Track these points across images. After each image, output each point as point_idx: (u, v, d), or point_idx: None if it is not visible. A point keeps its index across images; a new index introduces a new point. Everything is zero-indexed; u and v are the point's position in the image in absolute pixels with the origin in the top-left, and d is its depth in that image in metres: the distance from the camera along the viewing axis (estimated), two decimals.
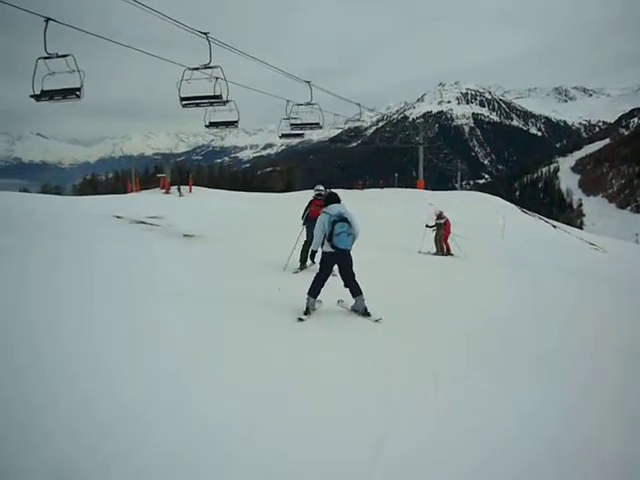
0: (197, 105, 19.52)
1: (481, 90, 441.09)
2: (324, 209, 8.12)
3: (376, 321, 7.64)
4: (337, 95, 27.92)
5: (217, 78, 17.76)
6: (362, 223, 8.15)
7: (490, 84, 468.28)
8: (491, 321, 8.21)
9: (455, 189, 76.76)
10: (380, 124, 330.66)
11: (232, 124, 24.50)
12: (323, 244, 7.99)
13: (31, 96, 16.62)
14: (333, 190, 8.51)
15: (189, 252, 12.13)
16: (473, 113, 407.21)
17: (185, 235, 14.08)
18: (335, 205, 8.00)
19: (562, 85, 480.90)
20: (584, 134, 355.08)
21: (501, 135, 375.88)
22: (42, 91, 17.03)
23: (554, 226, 34.90)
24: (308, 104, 24.02)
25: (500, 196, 48.71)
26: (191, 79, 18.26)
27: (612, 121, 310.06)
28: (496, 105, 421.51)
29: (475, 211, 16.28)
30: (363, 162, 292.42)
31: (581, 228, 74.46)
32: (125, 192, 45.24)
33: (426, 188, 52.60)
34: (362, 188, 56.05)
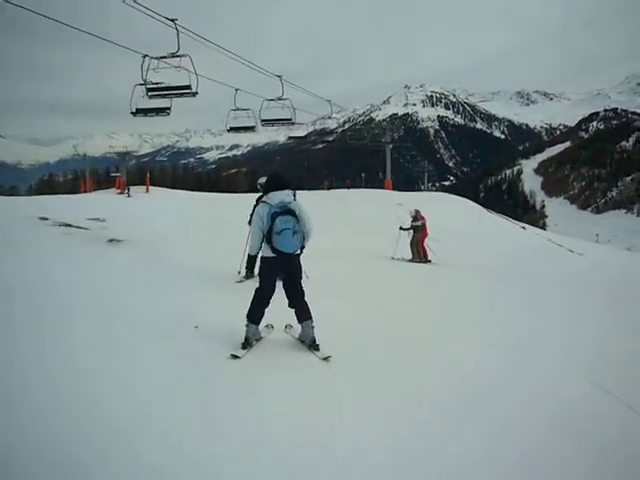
0: (164, 96, 18.90)
1: (446, 93, 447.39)
2: (263, 198, 6.06)
3: (324, 359, 5.71)
4: (308, 91, 27.11)
5: (187, 70, 16.93)
6: (327, 224, 6.77)
7: (455, 87, 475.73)
8: (478, 375, 5.74)
9: (421, 190, 76.42)
10: (346, 125, 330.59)
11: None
12: (262, 246, 5.99)
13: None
14: (278, 174, 6.24)
15: (102, 262, 10.12)
16: (438, 116, 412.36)
17: (111, 240, 12.24)
18: (278, 193, 5.87)
19: (524, 89, 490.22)
20: (545, 137, 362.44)
21: (466, 137, 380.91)
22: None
23: (523, 227, 34.45)
24: (279, 99, 23.45)
25: (466, 197, 48.27)
26: (158, 68, 17.59)
27: (572, 124, 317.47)
28: (461, 108, 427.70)
29: (446, 213, 15.15)
30: (329, 163, 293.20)
31: (544, 229, 74.79)
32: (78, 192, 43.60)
33: (394, 189, 51.80)
34: (328, 188, 55.01)
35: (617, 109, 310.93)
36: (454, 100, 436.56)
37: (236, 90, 22.86)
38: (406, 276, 12.23)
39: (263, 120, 24.57)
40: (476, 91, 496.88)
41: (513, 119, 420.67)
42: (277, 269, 5.94)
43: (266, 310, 5.95)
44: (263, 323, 6.12)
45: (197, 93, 18.20)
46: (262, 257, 5.97)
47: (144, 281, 8.91)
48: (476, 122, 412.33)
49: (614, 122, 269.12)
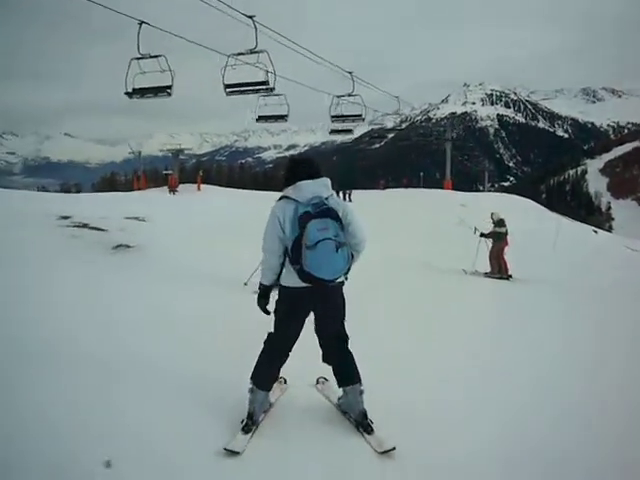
0: (242, 92, 19.05)
1: (506, 91, 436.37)
2: (284, 191, 3.79)
3: (384, 452, 3.54)
4: (377, 88, 27.16)
5: (266, 71, 17.33)
6: (380, 228, 5.16)
7: (515, 85, 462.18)
8: None
9: (480, 191, 73.96)
10: (404, 125, 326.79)
11: (282, 118, 24.13)
12: (281, 270, 3.82)
13: (125, 93, 18.51)
14: (306, 157, 4.35)
15: (85, 276, 8.23)
16: (498, 114, 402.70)
17: (118, 246, 10.91)
18: (308, 183, 3.72)
19: (590, 86, 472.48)
20: (613, 136, 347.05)
21: (527, 137, 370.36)
22: (134, 89, 18.51)
23: (595, 231, 32.31)
24: (350, 95, 23.76)
25: (527, 198, 46.08)
26: (236, 65, 17.80)
27: None
28: (522, 106, 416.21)
29: (511, 216, 13.72)
30: (386, 163, 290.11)
31: (610, 232, 71.10)
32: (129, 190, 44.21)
33: (453, 189, 49.93)
34: (384, 188, 53.56)
35: None
36: (515, 98, 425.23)
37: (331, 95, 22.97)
38: (481, 302, 9.61)
39: (333, 116, 24.67)
40: (538, 89, 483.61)
41: (578, 117, 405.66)
42: (305, 306, 3.80)
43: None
44: None
45: (274, 89, 18.42)
46: (282, 287, 3.82)
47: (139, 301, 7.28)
48: (538, 121, 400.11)
49: None
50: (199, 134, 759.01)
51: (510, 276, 12.41)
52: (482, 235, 13.21)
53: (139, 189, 43.47)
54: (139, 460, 3.29)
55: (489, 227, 13.15)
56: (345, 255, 3.60)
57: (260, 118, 23.80)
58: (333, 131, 26.36)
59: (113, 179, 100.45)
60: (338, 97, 24.31)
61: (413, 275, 11.43)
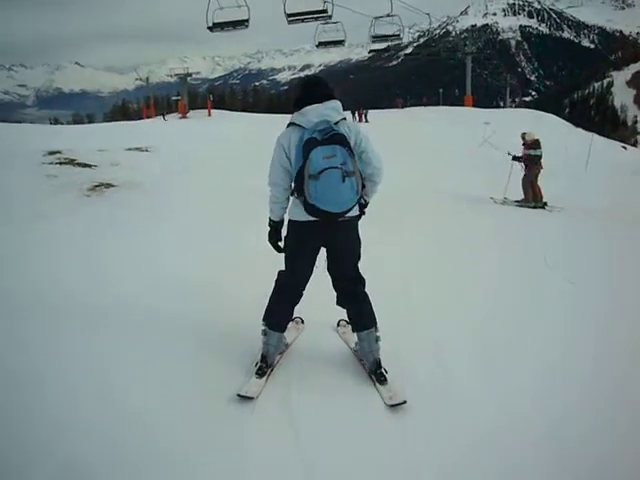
0: (303, 21, 21.00)
1: (529, 0, 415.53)
2: (291, 117, 3.39)
3: (392, 406, 3.22)
4: (408, 5, 27.92)
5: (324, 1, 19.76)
6: (399, 152, 4.32)
7: None
8: None
9: (501, 107, 71.44)
10: (421, 40, 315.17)
11: (340, 42, 25.31)
12: (288, 203, 3.53)
13: (207, 28, 21.29)
14: (315, 77, 3.53)
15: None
16: (520, 26, 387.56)
17: (97, 186, 9.84)
18: (315, 107, 3.29)
19: None
20: None
21: (550, 49, 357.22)
22: (214, 23, 21.36)
23: (624, 147, 30.84)
24: (388, 15, 25.17)
25: (549, 113, 44.17)
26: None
27: None
28: (545, 16, 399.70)
29: (539, 133, 12.42)
30: (404, 81, 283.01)
31: (635, 146, 68.96)
32: (141, 118, 43.33)
33: (474, 105, 47.96)
34: (402, 106, 51.64)
35: None
36: (538, 7, 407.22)
37: (372, 19, 23.74)
38: (515, 236, 7.92)
39: (374, 37, 26.31)
40: None
41: (605, 26, 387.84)
42: (314, 242, 3.46)
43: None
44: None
45: (331, 16, 20.63)
46: (289, 221, 3.48)
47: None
48: (563, 31, 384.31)
49: None
50: (211, 58, 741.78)
51: (545, 203, 11.08)
52: (514, 158, 11.58)
53: (149, 117, 42.42)
54: (148, 409, 3.16)
55: (520, 149, 11.92)
56: (354, 186, 3.19)
57: (320, 44, 26.25)
58: (372, 50, 27.56)
59: (125, 108, 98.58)
60: (376, 18, 25.33)
61: (435, 205, 10.24)
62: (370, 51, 29.74)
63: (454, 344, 4.03)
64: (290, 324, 3.85)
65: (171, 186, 10.87)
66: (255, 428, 3.04)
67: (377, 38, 25.36)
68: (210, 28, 20.55)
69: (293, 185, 3.33)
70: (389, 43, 29.54)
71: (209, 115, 37.83)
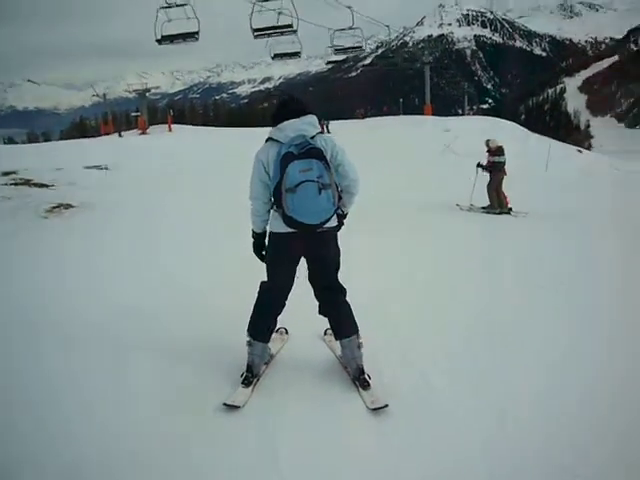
0: (269, 35, 21.45)
1: (482, 10, 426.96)
2: (269, 133, 3.51)
3: (375, 410, 3.33)
4: (369, 18, 28.79)
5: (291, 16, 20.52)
6: (363, 162, 4.39)
7: (492, 3, 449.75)
8: None
9: (459, 115, 72.68)
10: (380, 51, 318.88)
11: (296, 55, 25.08)
12: (269, 216, 3.63)
13: (156, 40, 20.78)
14: (291, 95, 3.80)
15: None
16: (475, 35, 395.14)
17: (55, 207, 9.40)
18: (291, 122, 3.41)
19: (567, 1, 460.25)
20: (591, 52, 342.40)
21: (504, 57, 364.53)
22: (163, 36, 20.72)
23: (579, 151, 31.65)
24: (350, 28, 25.60)
25: (506, 120, 45.11)
26: (261, 11, 20.66)
27: (620, 37, 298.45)
28: (498, 25, 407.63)
29: (497, 139, 12.66)
30: (364, 92, 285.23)
31: (589, 149, 70.81)
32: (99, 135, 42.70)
33: (433, 114, 48.69)
34: (363, 117, 52.19)
35: None
36: (491, 17, 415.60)
37: (279, 13, 23.68)
38: (485, 246, 7.94)
39: (336, 49, 26.46)
40: (515, 6, 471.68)
41: (555, 34, 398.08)
42: (294, 253, 3.56)
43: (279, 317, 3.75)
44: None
45: (296, 31, 20.73)
46: (270, 233, 3.59)
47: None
48: (515, 40, 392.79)
49: None
50: (170, 72, 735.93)
51: (511, 209, 11.30)
52: (479, 166, 11.74)
53: (107, 134, 41.79)
54: (136, 420, 3.24)
55: (482, 155, 12.10)
56: (330, 197, 3.32)
57: (276, 56, 26.28)
58: (330, 62, 27.83)
59: (83, 125, 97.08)
60: (338, 31, 25.72)
61: (403, 214, 10.30)
62: (328, 62, 29.90)
63: (428, 348, 4.20)
64: (275, 335, 3.95)
65: (133, 205, 10.57)
66: (241, 436, 3.11)
67: (339, 50, 25.57)
68: (159, 41, 20.49)
69: (272, 197, 3.42)
70: (350, 55, 30.10)
71: (169, 130, 37.55)
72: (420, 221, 9.69)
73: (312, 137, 3.39)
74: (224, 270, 6.06)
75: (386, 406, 3.33)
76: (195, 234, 8.12)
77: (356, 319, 3.67)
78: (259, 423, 3.24)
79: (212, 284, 5.62)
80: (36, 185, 11.30)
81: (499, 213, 11.27)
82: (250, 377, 3.58)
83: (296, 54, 24.33)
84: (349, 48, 29.33)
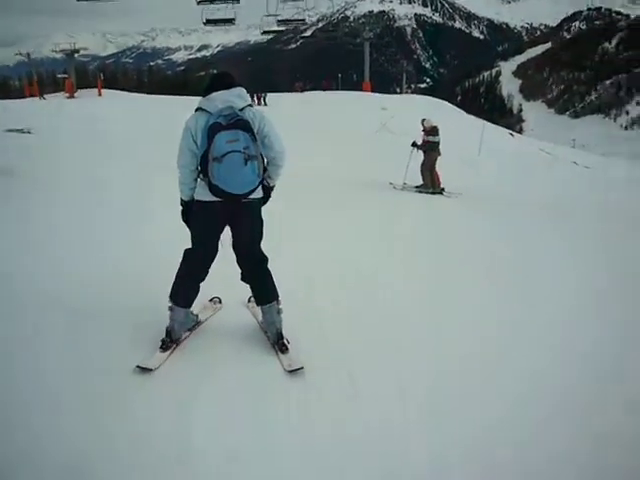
0: (211, 2, 22.62)
1: None
2: (199, 102, 3.54)
3: (291, 372, 3.48)
4: None
5: None
6: (298, 136, 4.47)
7: None
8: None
9: (398, 93, 73.14)
10: (320, 24, 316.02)
11: (229, 21, 23.75)
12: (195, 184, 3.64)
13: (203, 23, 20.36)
14: (223, 71, 3.86)
15: None
16: (415, 14, 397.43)
17: None
18: (220, 93, 3.46)
19: None
20: (526, 38, 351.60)
21: (444, 37, 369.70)
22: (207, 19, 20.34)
23: (511, 134, 32.32)
24: None
25: (443, 100, 45.62)
26: None
27: (554, 24, 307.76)
28: (439, 5, 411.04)
29: (434, 119, 12.50)
30: (303, 66, 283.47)
31: (521, 133, 73.11)
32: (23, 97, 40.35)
33: (373, 91, 48.57)
34: (302, 90, 51.43)
35: (601, 8, 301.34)
36: None
37: None
38: (416, 224, 7.89)
39: (279, 21, 25.43)
40: None
41: (493, 18, 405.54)
42: (218, 221, 3.59)
43: (202, 285, 3.73)
44: (204, 299, 4.07)
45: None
46: (196, 201, 3.59)
47: None
48: (455, 21, 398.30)
49: (597, 22, 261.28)
50: (101, 34, 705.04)
51: (443, 189, 11.30)
52: (414, 145, 11.62)
53: (32, 96, 39.44)
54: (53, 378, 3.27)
55: (418, 135, 11.96)
56: (255, 169, 3.41)
57: (208, 22, 25.23)
58: (209, 21, 25.93)
59: (5, 85, 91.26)
60: (283, 2, 24.75)
61: (334, 190, 10.06)
62: (264, 32, 28.93)
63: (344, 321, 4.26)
64: (207, 303, 4.22)
65: (55, 172, 9.64)
66: (151, 397, 3.16)
67: (282, 22, 24.92)
68: (204, 23, 20.89)
69: (199, 166, 3.47)
70: (290, 27, 29.42)
71: (99, 95, 35.86)
72: (350, 198, 9.41)
73: (241, 109, 3.44)
74: (154, 240, 5.72)
75: (301, 368, 3.47)
76: (120, 202, 7.59)
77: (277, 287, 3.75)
78: (171, 385, 3.27)
79: (142, 254, 5.37)
80: None
81: (432, 193, 11.22)
82: (168, 342, 3.62)
83: (230, 20, 23.64)
84: (294, 20, 28.78)
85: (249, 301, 4.29)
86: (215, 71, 4.12)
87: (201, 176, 3.48)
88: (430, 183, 11.34)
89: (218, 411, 3.07)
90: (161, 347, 3.58)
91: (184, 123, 3.54)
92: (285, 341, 3.71)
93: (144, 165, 10.46)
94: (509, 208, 9.59)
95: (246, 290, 3.90)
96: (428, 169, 11.37)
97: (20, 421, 2.89)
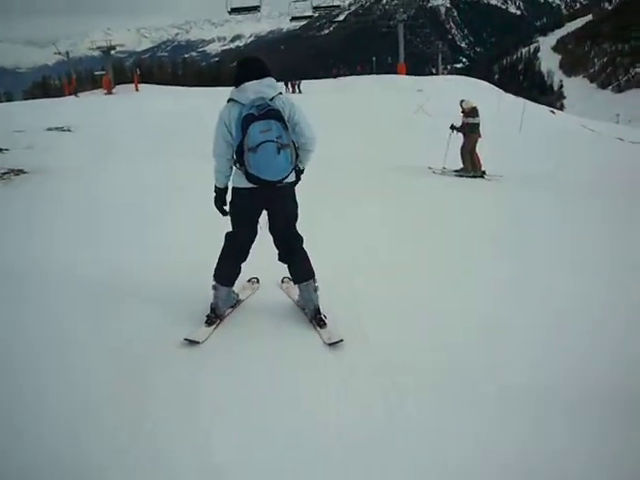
0: None
1: None
2: (230, 94, 3.72)
3: (331, 344, 3.67)
4: None
5: None
6: (334, 122, 4.57)
7: None
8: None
9: (433, 74, 71.94)
10: (352, 8, 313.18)
11: (255, 9, 23.66)
12: (231, 172, 3.88)
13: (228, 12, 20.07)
14: (252, 56, 3.91)
15: None
16: None
17: (4, 174, 8.90)
18: (252, 84, 3.62)
19: None
20: (565, 11, 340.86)
21: (479, 15, 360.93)
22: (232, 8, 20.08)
23: (552, 111, 31.35)
24: None
25: (480, 79, 44.57)
26: None
27: None
28: None
29: (471, 99, 12.09)
30: (337, 50, 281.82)
31: (562, 110, 70.97)
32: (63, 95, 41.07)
33: (407, 73, 47.85)
34: (336, 76, 51.05)
35: None
36: None
37: None
38: (455, 209, 7.66)
39: (314, 7, 25.15)
40: None
41: None
42: (256, 206, 3.85)
43: (244, 265, 4.02)
44: (243, 279, 4.31)
45: None
46: (233, 188, 3.84)
47: None
48: None
49: None
50: (136, 30, 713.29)
51: (484, 172, 10.87)
52: (453, 128, 11.18)
53: (71, 94, 40.17)
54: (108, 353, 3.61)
55: (456, 117, 11.60)
56: (288, 157, 3.61)
57: (233, 10, 25.38)
58: (234, 10, 25.74)
59: (46, 84, 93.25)
60: None
61: (371, 175, 9.93)
62: (292, 19, 29.14)
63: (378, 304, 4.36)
64: (246, 284, 4.53)
65: (94, 170, 9.89)
66: (201, 368, 3.43)
67: (316, 8, 24.74)
68: (229, 12, 22.73)
69: (235, 156, 3.67)
70: (323, 13, 29.85)
71: (136, 90, 36.21)
72: (389, 184, 9.31)
73: (271, 99, 3.59)
74: (194, 228, 6.10)
75: (341, 340, 3.68)
76: (159, 197, 7.84)
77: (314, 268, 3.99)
78: (218, 355, 3.57)
79: (183, 242, 5.80)
80: None
81: (472, 176, 10.85)
82: (213, 317, 3.95)
83: (255, 8, 23.58)
84: (329, 7, 29.12)
85: (282, 282, 4.61)
86: (242, 57, 3.94)
87: (237, 165, 3.69)
88: (470, 166, 10.96)
89: (264, 378, 3.29)
90: (206, 322, 3.91)
91: (218, 114, 3.70)
92: (323, 316, 3.95)
93: (180, 158, 10.52)
94: (554, 190, 9.21)
95: (281, 271, 4.21)
96: (468, 152, 10.99)
97: (91, 381, 3.27)
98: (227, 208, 3.91)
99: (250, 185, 3.67)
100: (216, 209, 3.96)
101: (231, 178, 3.84)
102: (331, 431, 2.82)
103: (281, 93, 3.72)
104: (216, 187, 3.93)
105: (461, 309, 4.24)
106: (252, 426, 2.87)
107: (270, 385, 3.22)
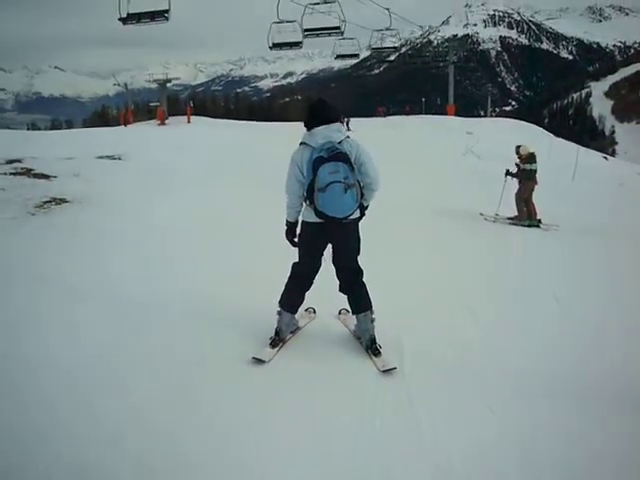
0: (317, 36, 23.79)
1: (509, 11, 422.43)
2: (302, 137, 4.11)
3: (385, 371, 3.98)
4: (403, 18, 28.81)
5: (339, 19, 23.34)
6: (382, 161, 4.59)
7: (519, 4, 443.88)
8: None
9: (482, 116, 71.65)
10: (403, 49, 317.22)
11: (296, 45, 24.04)
12: (301, 208, 4.24)
13: (119, 19, 18.96)
14: (320, 101, 4.20)
15: None
16: (500, 36, 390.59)
17: (46, 202, 8.57)
18: (322, 128, 3.98)
19: (596, 4, 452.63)
20: (619, 57, 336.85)
21: (530, 59, 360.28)
22: (129, 14, 19.02)
23: (605, 157, 30.71)
24: (325, 2, 24.07)
25: (530, 123, 44.04)
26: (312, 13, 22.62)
27: None
28: (525, 27, 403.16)
29: (521, 143, 11.78)
30: (386, 90, 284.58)
31: (613, 156, 69.53)
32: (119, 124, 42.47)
33: (456, 114, 47.79)
34: (385, 115, 51.33)
35: None
36: (518, 19, 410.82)
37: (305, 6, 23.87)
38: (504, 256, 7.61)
39: (306, 30, 23.69)
40: (542, 8, 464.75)
41: (583, 38, 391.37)
42: (322, 239, 4.21)
43: (307, 294, 4.40)
44: (301, 309, 4.58)
45: (343, 32, 23.07)
46: (302, 222, 4.23)
47: None
48: (542, 42, 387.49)
49: None
50: (193, 64, 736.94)
51: (540, 221, 10.47)
52: (508, 174, 10.84)
53: (125, 124, 41.56)
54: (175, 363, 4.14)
55: (509, 160, 11.30)
56: (354, 196, 3.95)
57: (338, 56, 27.92)
58: (275, 45, 25.59)
59: (105, 114, 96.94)
60: (312, 5, 24.65)
61: (419, 220, 9.78)
62: (337, 57, 29.67)
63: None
64: (304, 312, 4.84)
65: (134, 201, 9.79)
66: (266, 385, 3.82)
67: (310, 32, 24.94)
68: (123, 20, 18.85)
69: (305, 194, 4.04)
70: (383, 54, 32.58)
71: (188, 122, 37.28)
72: (439, 231, 9.10)
73: (339, 142, 3.96)
74: (259, 258, 6.56)
75: (395, 368, 4.00)
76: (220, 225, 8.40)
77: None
78: (282, 375, 3.94)
79: (246, 271, 6.20)
80: (36, 175, 10.48)
81: (528, 225, 10.42)
82: (277, 340, 4.33)
83: (297, 44, 24.64)
84: (387, 48, 31.40)
85: (340, 313, 4.95)
86: (313, 101, 4.28)
87: (307, 202, 4.05)
88: (526, 215, 10.56)
89: (323, 402, 3.62)
90: (270, 344, 4.29)
91: (290, 157, 4.09)
92: (377, 346, 4.24)
93: (228, 191, 10.61)
94: (615, 244, 8.81)
95: (336, 303, 4.73)
96: (523, 199, 10.60)
97: (154, 393, 3.72)
98: (296, 240, 4.29)
99: (318, 220, 4.02)
100: (287, 241, 4.34)
101: (301, 212, 4.18)
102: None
103: (348, 136, 4.06)
104: (287, 221, 4.30)
105: (504, 366, 4.24)
106: (303, 441, 3.20)
107: (326, 404, 3.60)
